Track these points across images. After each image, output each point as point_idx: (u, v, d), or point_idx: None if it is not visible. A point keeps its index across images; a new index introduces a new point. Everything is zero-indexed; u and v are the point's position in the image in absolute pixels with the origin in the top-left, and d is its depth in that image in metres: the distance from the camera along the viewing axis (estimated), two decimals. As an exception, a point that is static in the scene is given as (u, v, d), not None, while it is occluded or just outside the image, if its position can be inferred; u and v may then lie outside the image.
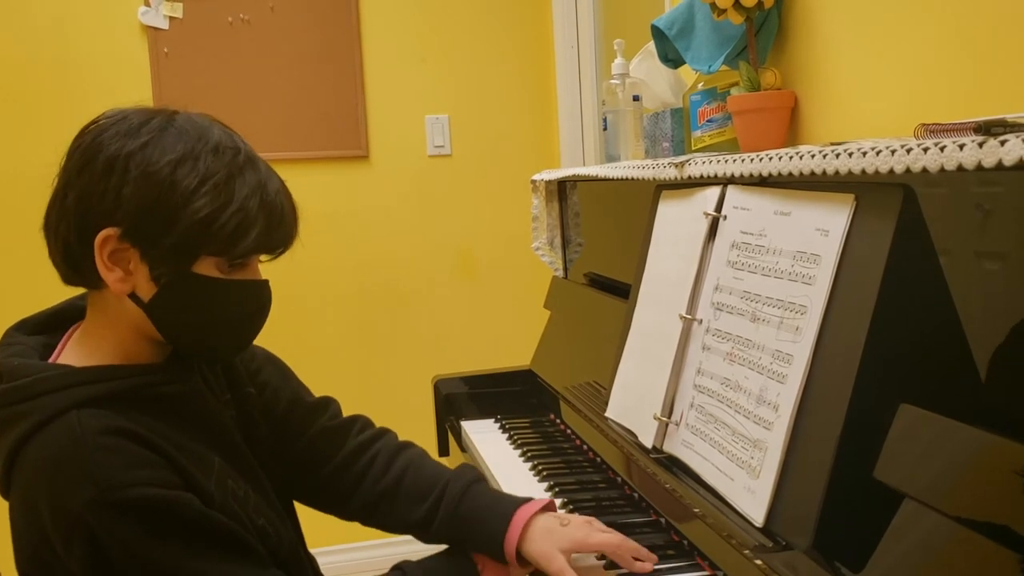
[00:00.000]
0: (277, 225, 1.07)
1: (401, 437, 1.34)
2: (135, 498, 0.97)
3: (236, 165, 1.04)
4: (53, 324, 1.15)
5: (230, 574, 1.02)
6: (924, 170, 0.84)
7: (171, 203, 1.01)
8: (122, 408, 1.03)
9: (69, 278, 1.09)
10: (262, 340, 1.18)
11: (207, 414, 1.13)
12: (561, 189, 2.11)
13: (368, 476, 1.26)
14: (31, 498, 1.00)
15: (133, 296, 1.05)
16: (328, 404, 1.33)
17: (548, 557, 1.13)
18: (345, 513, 1.30)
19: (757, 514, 1.02)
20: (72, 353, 1.10)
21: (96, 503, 0.96)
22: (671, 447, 1.26)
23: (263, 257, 1.11)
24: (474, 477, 1.24)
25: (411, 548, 1.24)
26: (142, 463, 0.99)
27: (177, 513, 1.00)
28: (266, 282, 1.12)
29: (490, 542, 1.17)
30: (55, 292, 1.16)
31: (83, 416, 1.00)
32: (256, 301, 1.11)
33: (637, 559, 1.14)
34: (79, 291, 1.13)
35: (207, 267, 1.05)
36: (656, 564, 1.15)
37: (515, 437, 1.77)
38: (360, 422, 1.34)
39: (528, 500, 1.20)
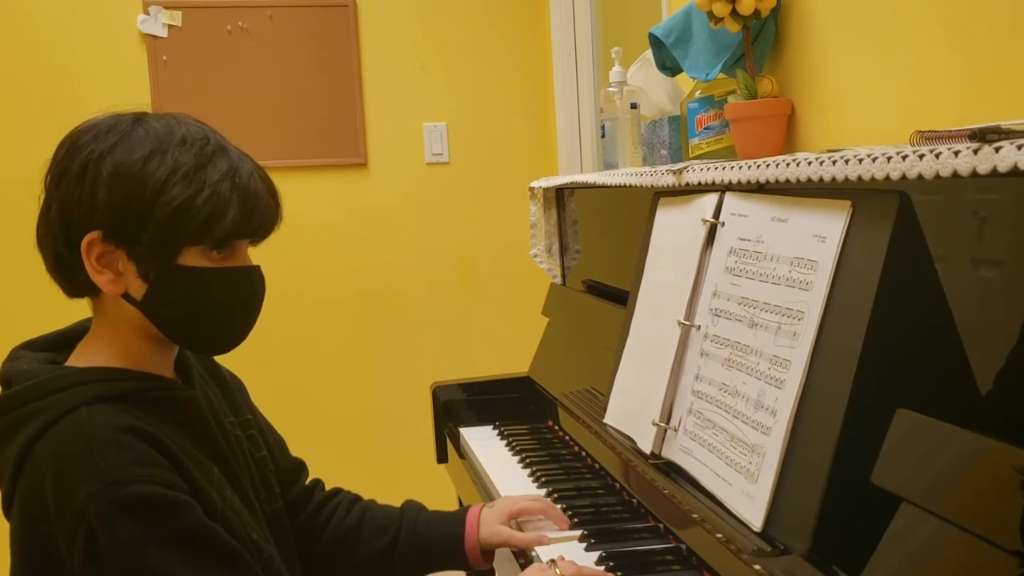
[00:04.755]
0: (252, 207, 1.07)
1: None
2: (138, 495, 0.96)
3: (205, 154, 1.05)
4: (59, 344, 1.14)
5: None
6: (920, 177, 0.84)
7: (144, 198, 1.02)
8: (131, 408, 1.03)
9: (69, 290, 1.09)
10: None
11: (209, 426, 1.13)
12: (559, 196, 2.12)
13: (332, 520, 1.35)
14: (40, 497, 0.98)
15: (126, 296, 1.06)
16: (303, 468, 1.38)
17: (497, 534, 1.30)
18: (311, 555, 1.32)
19: (755, 519, 1.02)
20: (78, 358, 1.10)
21: (98, 497, 0.95)
22: (669, 453, 1.26)
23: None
24: (423, 506, 1.38)
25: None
26: (149, 462, 0.99)
27: (178, 517, 0.98)
28: (256, 268, 1.12)
29: (451, 543, 1.30)
30: (51, 301, 1.16)
31: (93, 413, 1.00)
32: (248, 286, 1.11)
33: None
34: (73, 302, 1.13)
35: (193, 258, 1.05)
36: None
37: (514, 443, 1.77)
38: (320, 483, 1.40)
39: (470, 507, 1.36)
